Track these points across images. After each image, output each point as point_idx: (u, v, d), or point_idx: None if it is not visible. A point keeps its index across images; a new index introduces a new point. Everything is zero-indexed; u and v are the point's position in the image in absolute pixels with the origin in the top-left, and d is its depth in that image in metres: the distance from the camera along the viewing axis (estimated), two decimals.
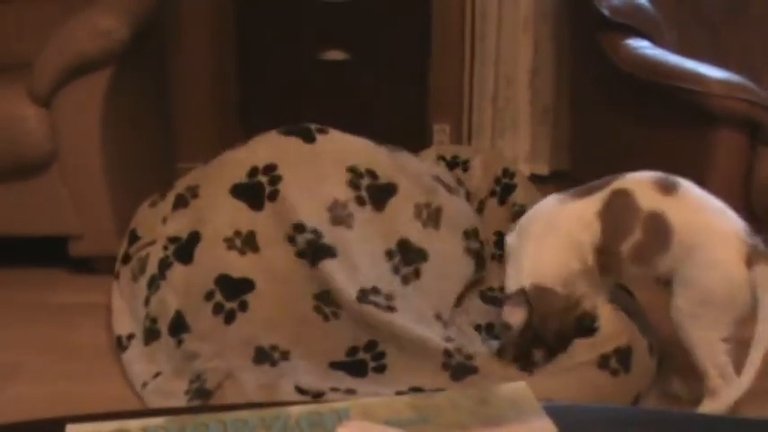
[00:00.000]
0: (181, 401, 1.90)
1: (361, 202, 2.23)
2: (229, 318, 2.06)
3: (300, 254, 2.11)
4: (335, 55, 2.95)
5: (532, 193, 2.56)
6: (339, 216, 2.18)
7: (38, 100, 2.42)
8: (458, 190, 2.45)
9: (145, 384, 2.00)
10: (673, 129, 2.47)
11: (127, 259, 2.33)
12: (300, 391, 1.87)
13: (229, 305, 2.07)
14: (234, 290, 2.08)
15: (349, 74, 2.97)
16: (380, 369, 1.96)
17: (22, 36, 2.91)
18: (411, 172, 2.35)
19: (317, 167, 2.23)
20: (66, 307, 2.44)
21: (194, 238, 2.16)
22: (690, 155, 2.39)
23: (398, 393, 1.76)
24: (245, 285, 2.09)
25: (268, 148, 2.25)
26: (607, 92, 2.82)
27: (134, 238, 2.35)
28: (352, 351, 2.00)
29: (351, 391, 1.87)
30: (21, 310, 2.43)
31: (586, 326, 1.92)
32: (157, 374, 2.01)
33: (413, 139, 3.06)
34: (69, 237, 2.58)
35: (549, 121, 3.43)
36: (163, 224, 2.26)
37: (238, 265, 2.11)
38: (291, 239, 2.12)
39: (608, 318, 1.90)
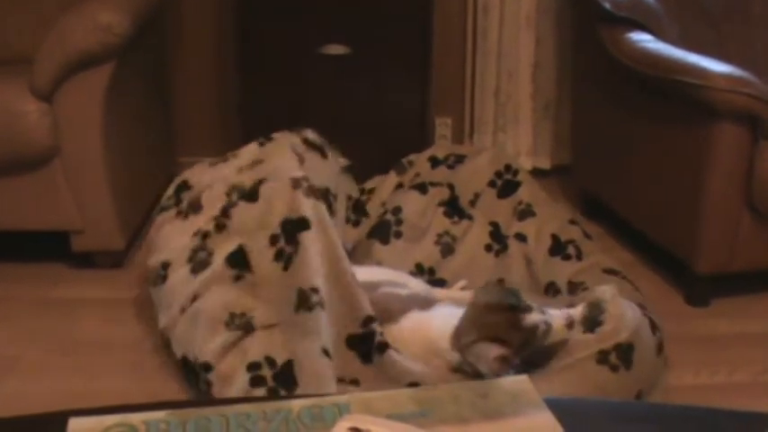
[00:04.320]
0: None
1: None
2: (288, 263, 1.99)
3: None
4: (336, 49, 2.94)
5: (536, 190, 2.55)
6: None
7: (39, 95, 2.42)
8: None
9: (183, 310, 2.01)
10: (674, 123, 2.47)
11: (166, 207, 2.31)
12: (326, 353, 1.86)
13: (289, 249, 1.99)
14: (294, 230, 2.01)
15: (350, 68, 2.97)
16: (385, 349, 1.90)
17: (23, 31, 2.90)
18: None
19: None
20: (68, 301, 2.45)
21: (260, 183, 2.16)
22: (691, 149, 2.38)
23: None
24: (303, 224, 2.02)
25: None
26: (609, 86, 2.81)
27: (184, 187, 2.34)
28: (367, 321, 1.92)
29: (354, 382, 1.86)
30: (22, 305, 2.43)
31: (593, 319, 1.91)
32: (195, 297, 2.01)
33: (415, 133, 3.06)
34: (70, 231, 2.58)
35: (550, 116, 3.43)
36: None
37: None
38: None
39: (613, 314, 1.89)
